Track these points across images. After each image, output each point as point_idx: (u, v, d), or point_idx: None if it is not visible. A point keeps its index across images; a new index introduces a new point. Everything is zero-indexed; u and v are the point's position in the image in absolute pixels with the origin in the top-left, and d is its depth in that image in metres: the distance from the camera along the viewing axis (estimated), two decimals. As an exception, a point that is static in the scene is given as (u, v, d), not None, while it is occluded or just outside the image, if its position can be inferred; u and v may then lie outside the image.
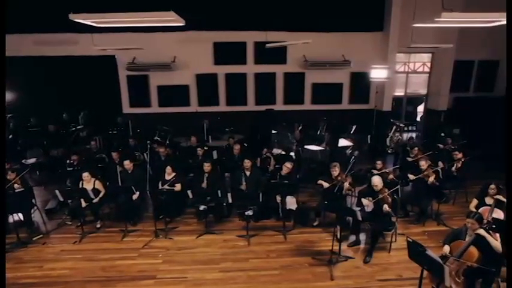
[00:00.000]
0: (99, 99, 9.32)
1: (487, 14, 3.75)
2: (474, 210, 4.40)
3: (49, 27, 8.54)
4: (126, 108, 9.86)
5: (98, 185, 5.46)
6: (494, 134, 8.59)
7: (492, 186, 4.42)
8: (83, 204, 5.28)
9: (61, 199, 5.16)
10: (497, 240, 3.46)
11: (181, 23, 3.46)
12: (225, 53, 9.53)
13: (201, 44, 9.41)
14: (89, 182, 5.37)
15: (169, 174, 5.61)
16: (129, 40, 8.60)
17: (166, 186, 5.45)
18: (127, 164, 5.71)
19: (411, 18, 6.28)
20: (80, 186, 5.31)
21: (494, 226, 3.50)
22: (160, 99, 9.80)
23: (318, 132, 8.49)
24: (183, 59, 9.47)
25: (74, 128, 8.61)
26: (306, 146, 7.56)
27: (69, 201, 5.39)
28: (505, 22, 3.98)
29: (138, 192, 5.33)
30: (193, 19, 8.22)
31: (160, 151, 6.73)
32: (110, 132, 8.70)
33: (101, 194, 5.43)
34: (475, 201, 4.67)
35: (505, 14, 3.72)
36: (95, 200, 5.29)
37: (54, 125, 8.58)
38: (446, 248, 3.58)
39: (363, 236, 5.01)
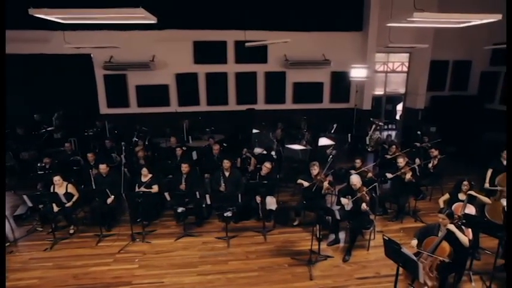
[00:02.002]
0: (75, 99, 8.96)
1: (458, 15, 3.84)
2: (442, 203, 4.60)
3: (17, 24, 8.09)
4: (104, 109, 9.53)
5: (71, 188, 5.25)
6: (468, 131, 8.93)
7: (465, 182, 4.52)
8: (55, 209, 5.05)
9: (30, 204, 4.90)
10: (468, 235, 3.55)
11: (152, 20, 3.34)
12: (205, 52, 9.39)
13: (180, 43, 9.22)
14: (61, 186, 5.15)
15: (145, 176, 5.47)
16: (104, 38, 8.32)
17: (143, 188, 5.30)
18: (103, 168, 5.51)
19: (389, 19, 6.38)
20: (52, 190, 5.08)
21: (464, 221, 3.59)
22: (139, 99, 9.53)
23: (299, 131, 8.50)
24: (163, 58, 9.25)
25: (44, 130, 8.23)
26: (287, 145, 7.55)
27: (40, 206, 5.14)
28: (475, 23, 4.10)
29: (112, 196, 5.15)
30: (172, 17, 8.12)
31: (139, 154, 6.55)
32: (86, 134, 8.39)
33: (75, 198, 5.22)
34: (446, 196, 4.77)
35: (475, 16, 3.82)
36: (68, 204, 5.07)
37: (23, 126, 8.17)
38: (414, 242, 3.66)
39: (342, 235, 5.04)
